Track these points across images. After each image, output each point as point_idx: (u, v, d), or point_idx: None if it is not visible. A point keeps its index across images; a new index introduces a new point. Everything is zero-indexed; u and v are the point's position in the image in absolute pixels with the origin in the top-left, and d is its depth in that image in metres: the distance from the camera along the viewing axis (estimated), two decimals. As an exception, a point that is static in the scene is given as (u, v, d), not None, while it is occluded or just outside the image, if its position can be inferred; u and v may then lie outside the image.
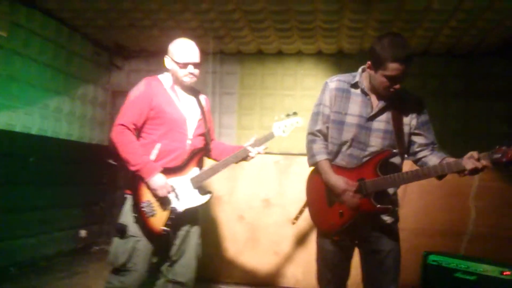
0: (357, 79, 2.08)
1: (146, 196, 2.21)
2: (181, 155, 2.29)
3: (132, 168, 2.18)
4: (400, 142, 2.04)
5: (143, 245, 2.23)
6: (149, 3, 3.74)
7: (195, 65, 2.30)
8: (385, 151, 2.02)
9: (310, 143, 2.18)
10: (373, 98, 2.07)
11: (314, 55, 4.80)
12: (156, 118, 2.26)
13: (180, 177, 2.28)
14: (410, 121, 2.05)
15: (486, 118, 4.52)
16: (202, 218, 3.98)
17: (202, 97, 2.50)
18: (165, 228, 2.21)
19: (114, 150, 2.22)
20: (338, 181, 2.03)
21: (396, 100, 2.03)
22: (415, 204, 3.50)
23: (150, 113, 2.25)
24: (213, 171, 2.33)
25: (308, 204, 2.29)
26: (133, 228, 2.22)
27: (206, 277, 4.01)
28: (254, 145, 2.38)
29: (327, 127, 2.14)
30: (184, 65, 2.27)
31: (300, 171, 4.00)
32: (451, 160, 1.88)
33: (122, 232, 2.22)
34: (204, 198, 2.32)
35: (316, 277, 2.31)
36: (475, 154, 1.78)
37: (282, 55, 4.86)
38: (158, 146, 2.25)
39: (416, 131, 2.07)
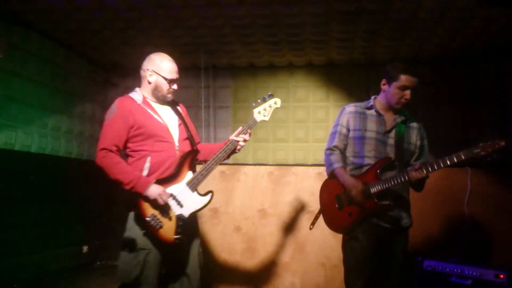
0: (371, 103, 2.63)
1: (149, 210, 2.23)
2: (172, 163, 2.34)
3: (127, 187, 2.21)
4: (399, 155, 2.49)
5: (153, 257, 2.26)
6: (140, 21, 3.84)
7: (177, 82, 2.44)
8: (384, 158, 2.47)
9: (328, 155, 2.64)
10: (387, 117, 2.58)
11: (305, 67, 4.86)
12: (138, 135, 2.31)
13: (177, 185, 2.31)
14: (415, 141, 2.57)
15: (476, 124, 4.43)
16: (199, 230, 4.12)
17: (176, 104, 2.59)
18: (177, 236, 2.25)
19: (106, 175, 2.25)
20: (352, 180, 2.48)
21: (405, 122, 2.57)
22: (408, 210, 3.53)
23: (131, 132, 2.30)
24: (207, 170, 2.38)
25: (322, 211, 2.71)
26: (142, 241, 2.24)
27: (205, 289, 4.05)
28: (239, 134, 2.47)
29: (345, 144, 2.62)
30: (172, 82, 2.39)
31: (294, 181, 4.08)
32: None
33: (131, 246, 2.23)
34: (206, 199, 2.37)
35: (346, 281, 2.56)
36: (416, 165, 2.33)
37: (273, 68, 4.92)
38: (148, 159, 2.30)
39: (417, 151, 2.58)
